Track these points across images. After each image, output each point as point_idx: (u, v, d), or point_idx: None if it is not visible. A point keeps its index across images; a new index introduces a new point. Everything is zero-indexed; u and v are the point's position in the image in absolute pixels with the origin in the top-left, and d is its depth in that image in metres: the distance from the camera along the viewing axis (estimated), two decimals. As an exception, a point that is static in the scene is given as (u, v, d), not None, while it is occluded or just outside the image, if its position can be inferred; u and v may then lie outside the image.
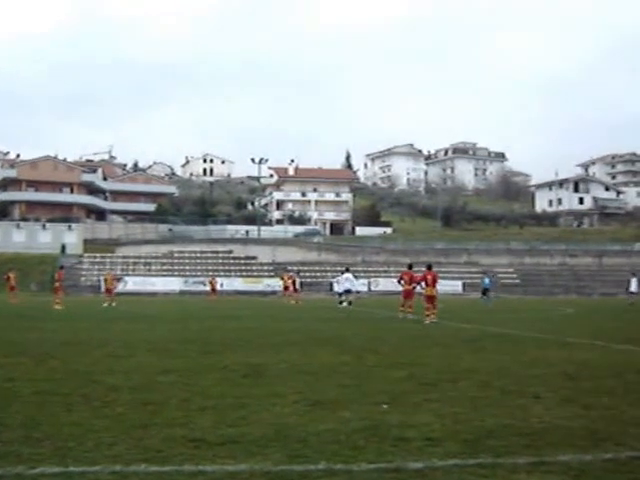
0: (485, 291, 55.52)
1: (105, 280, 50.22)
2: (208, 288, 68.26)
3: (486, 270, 77.01)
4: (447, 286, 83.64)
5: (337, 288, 52.52)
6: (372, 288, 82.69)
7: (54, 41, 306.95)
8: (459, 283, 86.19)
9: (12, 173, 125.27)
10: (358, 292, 48.84)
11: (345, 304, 45.94)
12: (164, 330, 25.31)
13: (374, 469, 6.94)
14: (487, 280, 56.83)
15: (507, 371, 14.14)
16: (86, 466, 6.91)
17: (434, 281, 31.21)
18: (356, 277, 50.20)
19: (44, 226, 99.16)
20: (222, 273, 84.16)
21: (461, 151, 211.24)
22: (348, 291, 47.33)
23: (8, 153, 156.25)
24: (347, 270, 49.96)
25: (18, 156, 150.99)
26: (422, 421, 9.15)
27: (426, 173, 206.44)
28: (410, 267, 34.61)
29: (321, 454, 7.46)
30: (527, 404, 10.47)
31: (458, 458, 7.35)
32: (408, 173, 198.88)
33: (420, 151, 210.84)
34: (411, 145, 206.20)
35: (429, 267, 32.04)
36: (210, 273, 79.14)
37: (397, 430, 8.62)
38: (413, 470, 6.90)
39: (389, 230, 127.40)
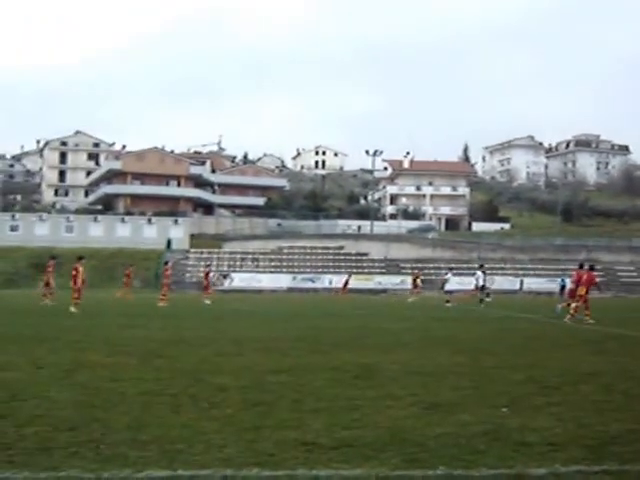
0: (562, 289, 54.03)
1: (126, 275, 50.95)
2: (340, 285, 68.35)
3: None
4: (567, 284, 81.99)
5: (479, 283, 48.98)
6: (488, 285, 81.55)
7: (165, 32, 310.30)
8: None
9: (117, 165, 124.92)
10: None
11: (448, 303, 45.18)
12: (273, 328, 25.28)
13: (495, 475, 6.80)
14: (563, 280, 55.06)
15: (631, 374, 13.71)
16: (195, 469, 6.79)
17: (589, 282, 30.51)
18: (484, 273, 47.99)
19: (149, 220, 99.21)
20: (332, 269, 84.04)
21: (583, 144, 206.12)
22: (483, 287, 46.42)
23: (114, 144, 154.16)
24: (481, 267, 49.11)
25: (124, 147, 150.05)
26: (543, 425, 8.93)
27: (546, 167, 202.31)
28: (581, 267, 33.71)
29: (440, 459, 7.27)
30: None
31: (582, 464, 7.16)
32: (528, 167, 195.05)
33: (541, 144, 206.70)
34: (531, 137, 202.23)
35: (591, 268, 32.01)
36: (345, 271, 79.18)
37: (518, 434, 8.43)
38: (536, 476, 6.79)
39: (507, 226, 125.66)
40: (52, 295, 39.43)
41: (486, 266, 53.09)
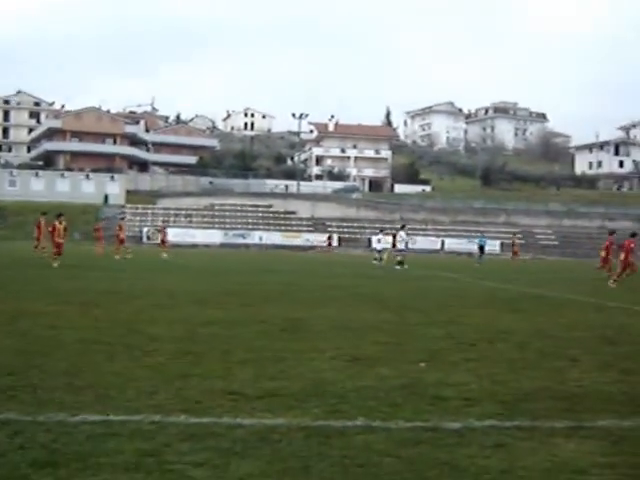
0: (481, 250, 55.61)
1: (119, 228, 49.65)
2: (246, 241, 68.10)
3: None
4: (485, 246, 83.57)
5: (376, 245, 49.87)
6: (410, 246, 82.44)
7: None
8: (497, 243, 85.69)
9: (57, 123, 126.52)
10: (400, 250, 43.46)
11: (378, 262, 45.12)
12: (205, 282, 25.50)
13: (411, 427, 6.97)
14: (482, 240, 56.87)
15: (545, 333, 14.10)
16: (127, 415, 7.03)
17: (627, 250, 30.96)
18: (408, 235, 46.84)
19: (87, 176, 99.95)
20: (262, 227, 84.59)
21: (502, 110, 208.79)
22: (402, 251, 43.08)
23: (53, 104, 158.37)
24: (403, 227, 45.98)
25: (63, 107, 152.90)
26: (460, 381, 9.18)
27: (466, 132, 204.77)
28: (611, 233, 34.00)
29: (359, 410, 7.51)
30: (565, 367, 10.45)
31: (495, 419, 7.37)
32: (448, 132, 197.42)
33: (460, 110, 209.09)
34: (451, 103, 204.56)
35: (632, 235, 32.37)
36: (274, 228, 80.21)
37: (435, 389, 8.66)
38: (450, 430, 6.93)
39: (428, 188, 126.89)
40: (44, 249, 39.69)
41: (408, 226, 52.34)
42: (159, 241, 51.42)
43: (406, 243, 44.07)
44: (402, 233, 43.83)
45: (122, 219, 53.51)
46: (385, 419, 7.21)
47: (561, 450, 6.41)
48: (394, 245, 45.96)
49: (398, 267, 40.01)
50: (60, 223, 34.80)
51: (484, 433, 6.86)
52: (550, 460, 6.11)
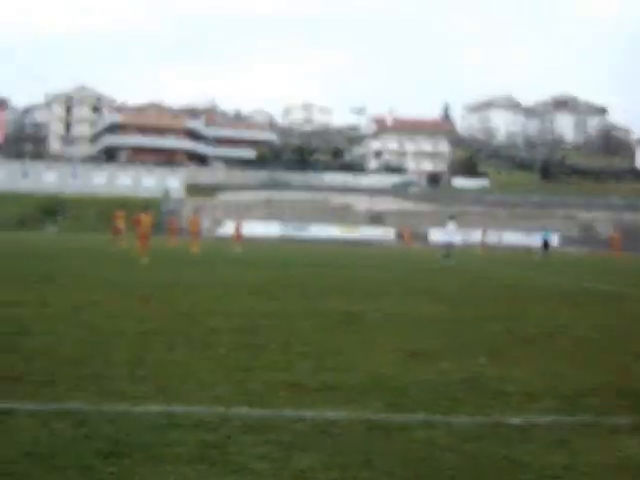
0: (546, 245, 54.90)
1: (191, 222, 48.51)
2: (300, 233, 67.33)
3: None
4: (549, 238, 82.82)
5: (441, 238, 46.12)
6: (461, 239, 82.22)
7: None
8: (555, 236, 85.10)
9: (119, 118, 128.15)
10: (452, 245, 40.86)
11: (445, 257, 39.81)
12: (264, 274, 25.61)
13: (473, 422, 6.97)
14: (546, 234, 56.08)
15: (607, 328, 13.96)
16: (189, 406, 7.10)
17: None
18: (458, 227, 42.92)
19: (149, 170, 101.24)
20: (319, 221, 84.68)
21: (561, 104, 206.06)
22: (450, 243, 40.80)
23: (115, 99, 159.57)
24: (451, 218, 42.03)
25: (125, 102, 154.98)
26: (521, 376, 9.12)
27: (525, 126, 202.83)
28: None
29: (420, 404, 7.50)
30: (628, 363, 10.33)
31: (558, 415, 7.32)
32: (506, 126, 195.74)
33: (519, 103, 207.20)
34: (510, 97, 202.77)
35: None
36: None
37: (496, 384, 8.62)
38: (512, 425, 6.90)
39: (485, 182, 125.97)
40: (123, 241, 39.78)
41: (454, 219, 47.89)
42: (234, 235, 50.96)
43: (453, 235, 41.53)
44: (450, 225, 41.05)
45: (196, 213, 52.45)
46: (446, 413, 7.20)
47: (625, 446, 6.35)
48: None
49: (444, 260, 38.13)
50: (147, 215, 34.22)
51: (546, 429, 6.83)
52: (614, 456, 6.06)
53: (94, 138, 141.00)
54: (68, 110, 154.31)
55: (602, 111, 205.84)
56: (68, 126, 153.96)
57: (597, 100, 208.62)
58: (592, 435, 6.67)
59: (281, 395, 7.71)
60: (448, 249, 39.84)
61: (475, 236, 72.03)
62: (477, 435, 6.52)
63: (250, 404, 7.25)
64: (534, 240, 68.29)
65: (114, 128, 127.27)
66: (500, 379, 8.90)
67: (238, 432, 6.31)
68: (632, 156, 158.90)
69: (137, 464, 5.45)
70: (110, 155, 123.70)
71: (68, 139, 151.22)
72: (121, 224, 42.83)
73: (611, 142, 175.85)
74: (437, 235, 45.17)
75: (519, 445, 6.28)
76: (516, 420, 7.05)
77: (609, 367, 9.94)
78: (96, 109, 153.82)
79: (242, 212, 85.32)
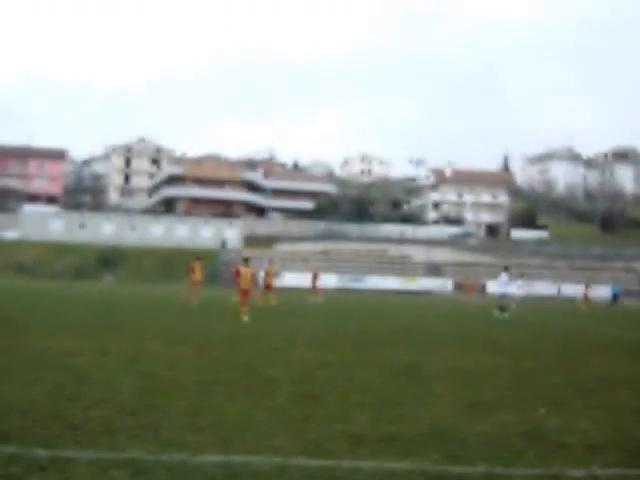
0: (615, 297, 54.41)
1: (266, 274, 47.34)
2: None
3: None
4: (603, 291, 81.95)
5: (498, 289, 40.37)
6: (517, 291, 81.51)
7: (217, 41, 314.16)
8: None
9: (177, 170, 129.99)
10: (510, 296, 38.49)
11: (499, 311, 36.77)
12: (321, 325, 25.58)
13: (534, 474, 6.90)
14: (615, 287, 55.57)
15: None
16: (247, 456, 7.09)
17: None
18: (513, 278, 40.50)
19: (206, 221, 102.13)
20: (376, 272, 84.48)
21: (621, 156, 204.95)
22: (504, 295, 38.03)
23: (174, 150, 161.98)
24: (505, 269, 39.34)
25: (183, 154, 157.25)
26: (581, 427, 9.02)
27: (585, 177, 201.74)
28: None
29: (480, 456, 7.44)
30: (690, 416, 10.13)
31: (620, 468, 7.21)
32: (566, 177, 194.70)
33: (579, 155, 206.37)
34: (570, 149, 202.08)
35: None
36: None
37: (556, 435, 8.53)
38: (574, 477, 6.84)
39: (545, 234, 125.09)
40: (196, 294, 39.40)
41: (512, 270, 45.74)
42: (312, 286, 50.38)
43: (507, 287, 38.65)
44: (504, 275, 38.47)
45: (270, 264, 49.27)
46: (507, 465, 7.13)
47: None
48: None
49: (498, 313, 35.52)
50: (247, 267, 31.03)
51: (608, 481, 6.68)
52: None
53: (152, 190, 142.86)
54: (127, 162, 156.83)
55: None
56: (127, 177, 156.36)
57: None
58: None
59: (340, 446, 7.68)
60: (503, 301, 37.70)
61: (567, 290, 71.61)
62: (538, 487, 6.43)
63: (309, 454, 7.23)
64: (598, 292, 67.50)
65: (172, 180, 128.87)
66: (560, 430, 8.80)
67: (297, 482, 6.27)
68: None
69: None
70: (168, 206, 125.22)
71: (127, 190, 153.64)
72: (197, 276, 41.34)
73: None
74: (493, 287, 41.99)
75: (580, 497, 6.19)
76: (577, 472, 6.96)
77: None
78: (155, 161, 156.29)
79: (299, 263, 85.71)
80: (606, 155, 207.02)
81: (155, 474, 6.42)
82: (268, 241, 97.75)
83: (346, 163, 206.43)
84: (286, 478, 6.44)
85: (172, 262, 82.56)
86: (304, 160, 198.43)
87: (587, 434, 8.65)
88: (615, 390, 12.31)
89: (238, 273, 30.78)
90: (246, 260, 31.45)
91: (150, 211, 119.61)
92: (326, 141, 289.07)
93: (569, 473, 6.93)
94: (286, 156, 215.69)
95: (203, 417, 8.84)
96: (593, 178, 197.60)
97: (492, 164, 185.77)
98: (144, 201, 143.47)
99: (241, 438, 7.87)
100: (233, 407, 9.55)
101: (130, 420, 8.56)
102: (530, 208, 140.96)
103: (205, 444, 7.54)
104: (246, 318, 26.76)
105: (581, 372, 14.56)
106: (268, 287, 42.91)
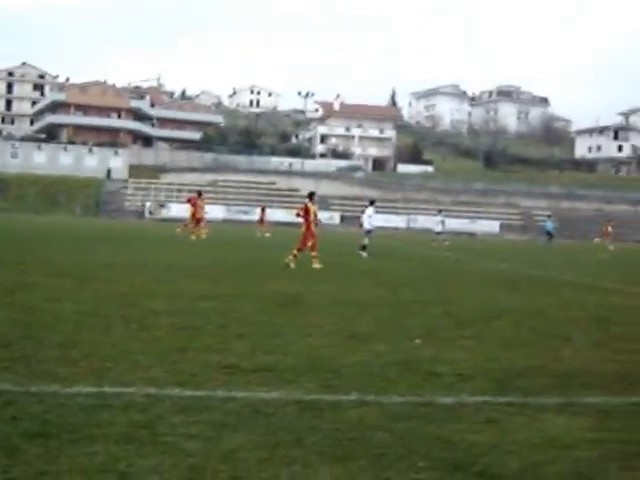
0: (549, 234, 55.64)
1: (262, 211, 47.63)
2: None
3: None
4: (485, 226, 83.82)
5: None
6: (411, 225, 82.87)
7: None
8: (497, 224, 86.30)
9: (61, 96, 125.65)
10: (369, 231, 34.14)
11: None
12: (205, 257, 25.53)
13: (404, 402, 7.06)
14: (550, 224, 56.81)
15: (540, 313, 14.25)
16: (121, 387, 7.07)
17: None
18: (377, 212, 36.97)
19: (91, 150, 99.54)
20: (264, 204, 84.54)
21: (505, 94, 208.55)
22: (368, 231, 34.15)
23: (57, 77, 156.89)
24: (372, 204, 35.80)
25: (67, 80, 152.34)
26: (454, 357, 9.29)
27: (469, 114, 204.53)
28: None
29: (353, 385, 7.58)
30: (558, 346, 10.56)
31: (488, 395, 7.47)
32: (452, 113, 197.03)
33: (465, 92, 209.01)
34: (456, 86, 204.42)
35: None
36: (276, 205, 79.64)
37: (429, 365, 8.75)
38: (443, 405, 7.02)
39: (430, 169, 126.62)
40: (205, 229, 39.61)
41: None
42: (258, 219, 50.99)
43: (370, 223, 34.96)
44: (370, 210, 35.19)
45: (199, 195, 47.27)
46: (378, 394, 7.27)
47: (551, 426, 6.49)
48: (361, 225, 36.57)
49: (362, 252, 31.45)
50: (201, 200, 33.55)
51: (476, 409, 6.95)
52: (540, 436, 6.18)
53: (35, 116, 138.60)
54: (9, 87, 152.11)
55: (544, 101, 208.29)
56: (9, 103, 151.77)
57: (539, 91, 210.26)
58: (520, 415, 6.80)
59: (215, 376, 7.73)
60: (366, 238, 33.38)
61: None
62: (408, 415, 6.60)
63: (183, 385, 7.25)
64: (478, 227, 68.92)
65: (56, 106, 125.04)
66: (434, 360, 9.02)
67: (169, 413, 6.30)
68: (572, 146, 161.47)
69: (65, 445, 5.39)
70: (52, 134, 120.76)
71: (8, 117, 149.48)
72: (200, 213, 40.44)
73: (552, 132, 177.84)
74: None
75: (448, 424, 6.37)
76: (447, 400, 7.16)
77: (540, 350, 10.17)
78: (38, 87, 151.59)
79: (185, 194, 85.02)
80: (490, 93, 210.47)
81: (24, 405, 6.30)
82: (154, 171, 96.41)
83: (235, 93, 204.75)
84: (158, 408, 6.41)
85: (56, 191, 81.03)
86: (192, 90, 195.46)
87: (459, 364, 8.90)
88: (489, 321, 12.69)
89: (195, 203, 32.19)
90: (200, 193, 33.06)
91: (33, 138, 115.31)
92: (215, 71, 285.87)
93: (439, 401, 7.12)
94: (174, 85, 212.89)
95: (78, 349, 8.72)
96: (478, 115, 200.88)
97: (380, 100, 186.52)
98: (26, 128, 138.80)
99: (115, 369, 7.81)
100: (109, 339, 9.45)
101: (2, 352, 8.38)
102: (416, 143, 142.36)
103: (79, 375, 7.46)
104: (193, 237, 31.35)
105: (459, 304, 14.94)
106: (198, 220, 41.51)
